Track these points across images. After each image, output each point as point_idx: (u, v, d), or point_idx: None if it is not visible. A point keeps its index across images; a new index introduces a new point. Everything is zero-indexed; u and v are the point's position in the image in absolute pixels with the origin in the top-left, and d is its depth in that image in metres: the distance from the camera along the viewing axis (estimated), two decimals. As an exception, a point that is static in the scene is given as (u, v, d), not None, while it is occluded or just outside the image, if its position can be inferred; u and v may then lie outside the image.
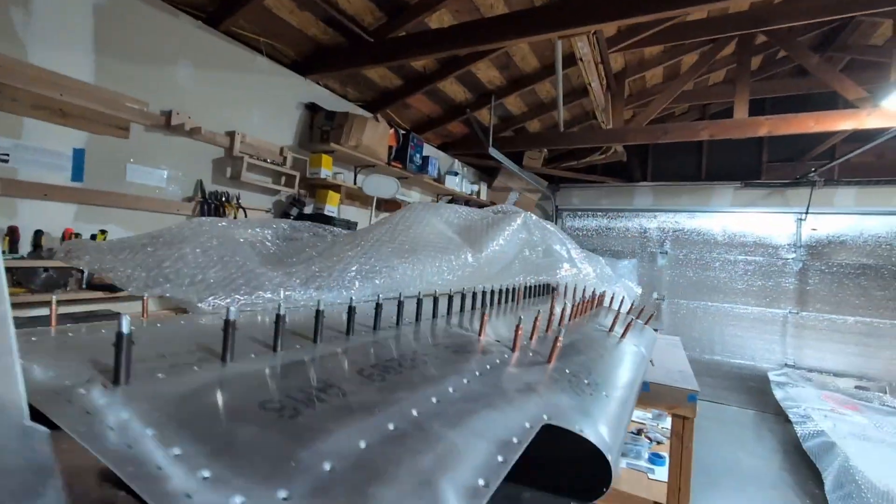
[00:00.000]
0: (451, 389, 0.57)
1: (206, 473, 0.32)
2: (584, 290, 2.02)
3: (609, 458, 0.57)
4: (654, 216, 6.48)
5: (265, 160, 3.13)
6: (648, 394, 2.50)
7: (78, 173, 2.25)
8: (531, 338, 0.94)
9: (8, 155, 2.02)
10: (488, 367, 0.70)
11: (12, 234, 2.01)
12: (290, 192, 3.37)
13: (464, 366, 0.68)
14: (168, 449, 0.34)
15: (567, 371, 0.79)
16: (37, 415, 0.35)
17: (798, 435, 4.13)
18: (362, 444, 0.40)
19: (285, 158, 3.32)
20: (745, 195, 5.90)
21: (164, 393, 0.43)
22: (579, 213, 7.02)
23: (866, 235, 5.36)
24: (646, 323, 1.82)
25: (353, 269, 1.34)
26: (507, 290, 1.53)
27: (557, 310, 1.24)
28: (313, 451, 0.37)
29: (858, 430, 4.10)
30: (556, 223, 7.05)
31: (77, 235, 2.19)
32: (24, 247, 2.06)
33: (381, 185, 3.70)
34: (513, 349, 0.82)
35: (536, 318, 0.94)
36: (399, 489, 0.35)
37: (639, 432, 3.51)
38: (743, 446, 4.58)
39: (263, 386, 0.49)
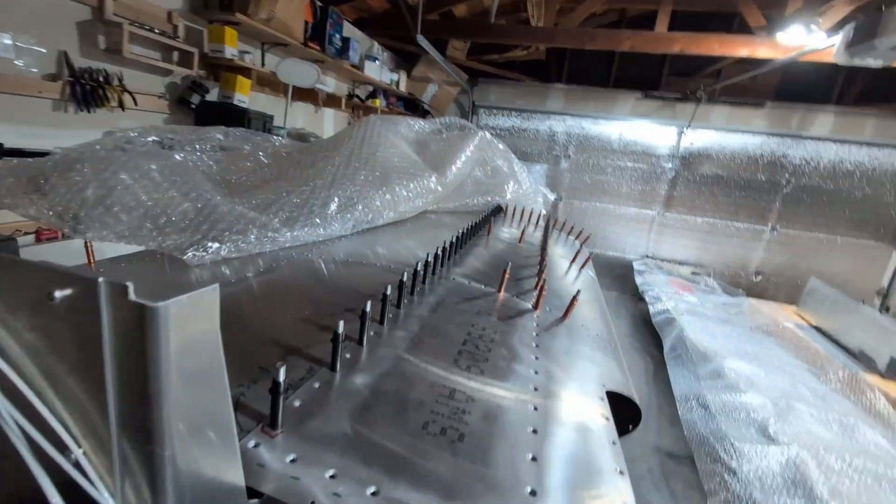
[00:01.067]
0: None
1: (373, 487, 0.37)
2: (523, 211, 2.17)
3: (638, 403, 0.73)
4: (564, 120, 6.77)
5: (150, 28, 2.46)
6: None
7: None
8: (539, 297, 1.04)
9: None
10: (537, 335, 0.80)
11: None
12: (187, 73, 2.76)
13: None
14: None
15: (582, 325, 0.93)
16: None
17: (650, 312, 5.25)
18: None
19: (176, 28, 2.65)
20: (643, 106, 6.41)
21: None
22: (495, 111, 7.00)
23: (727, 150, 6.35)
24: (584, 242, 2.07)
25: (334, 203, 1.26)
26: (475, 222, 1.59)
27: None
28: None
29: (690, 308, 5.36)
30: (471, 120, 6.98)
31: None
32: None
33: (299, 72, 3.23)
34: (498, 290, 0.92)
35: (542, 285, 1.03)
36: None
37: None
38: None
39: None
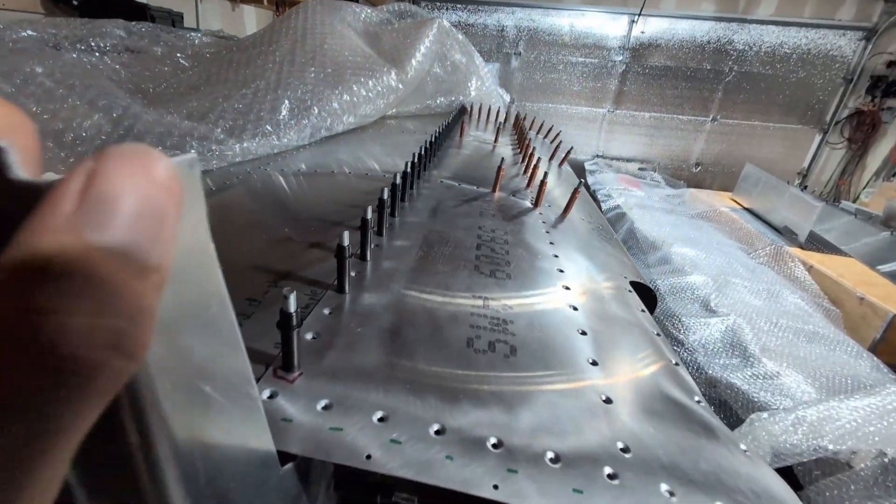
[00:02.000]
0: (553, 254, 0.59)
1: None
2: (489, 111, 2.01)
3: (653, 287, 0.71)
4: (513, 12, 6.26)
5: None
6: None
7: None
8: (540, 194, 0.96)
9: None
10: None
11: None
12: (51, -45, 2.15)
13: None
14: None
15: (582, 220, 0.87)
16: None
17: (602, 209, 5.45)
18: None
19: None
20: (594, -8, 6.00)
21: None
22: (439, 3, 6.31)
23: (675, 39, 6.23)
24: (555, 139, 1.98)
25: (285, 107, 1.05)
26: (446, 124, 1.43)
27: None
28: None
29: (639, 202, 5.60)
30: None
31: None
32: None
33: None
34: (493, 190, 0.84)
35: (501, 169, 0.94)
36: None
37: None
38: (565, 223, 5.88)
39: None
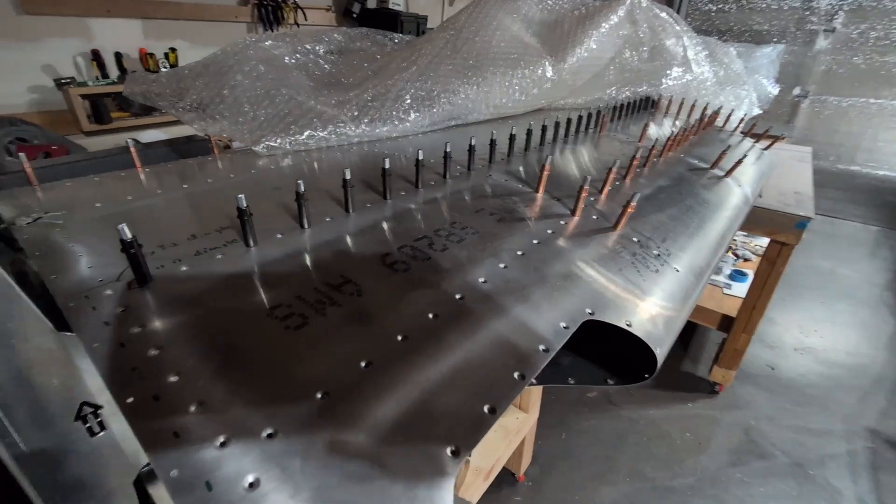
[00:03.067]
0: (482, 280, 0.52)
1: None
2: (692, 105, 1.65)
3: (657, 352, 0.52)
4: (834, -26, 4.68)
5: (314, -61, 2.62)
6: (747, 217, 2.27)
7: (129, -19, 2.10)
8: (603, 191, 0.81)
9: (57, -34, 1.90)
10: (535, 241, 0.63)
11: (97, 57, 2.07)
12: (349, -19, 2.90)
13: (504, 243, 0.61)
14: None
15: (635, 240, 0.69)
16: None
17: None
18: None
19: (338, -66, 2.74)
20: None
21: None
22: (716, -25, 5.30)
23: None
24: (768, 146, 1.49)
25: (408, 96, 1.19)
26: (587, 115, 1.28)
27: (646, 143, 1.03)
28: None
29: None
30: (681, -5, 5.49)
31: (151, 56, 2.20)
32: (112, 70, 2.13)
33: (454, -39, 3.00)
34: (573, 212, 0.72)
35: (609, 171, 0.78)
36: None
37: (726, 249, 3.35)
38: (846, 262, 4.25)
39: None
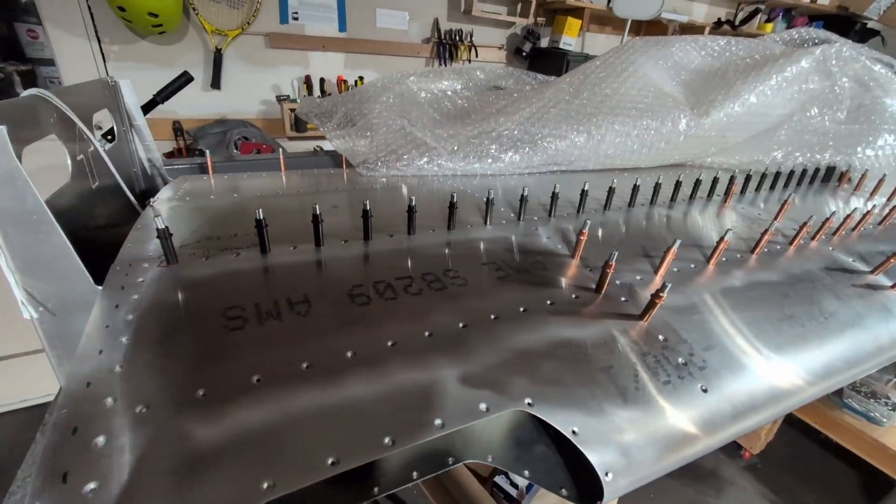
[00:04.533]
0: (426, 333, 0.51)
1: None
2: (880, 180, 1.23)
3: (605, 479, 0.43)
4: None
5: (498, -15, 2.83)
6: None
7: (342, 23, 2.62)
8: (658, 272, 0.68)
9: (297, 13, 2.50)
10: (522, 309, 0.57)
11: (307, 81, 2.64)
12: (524, 22, 3.03)
13: (486, 302, 0.58)
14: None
15: (661, 338, 0.57)
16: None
17: None
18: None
19: (522, -21, 2.91)
20: None
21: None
22: None
23: None
24: None
25: (507, 136, 1.19)
26: (729, 178, 1.07)
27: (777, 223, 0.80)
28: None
29: None
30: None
31: (345, 82, 2.69)
32: (315, 91, 2.69)
33: (639, 2, 2.87)
34: (597, 289, 0.63)
35: (668, 252, 0.65)
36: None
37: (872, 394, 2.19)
38: None
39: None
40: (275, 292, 0.55)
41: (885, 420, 2.05)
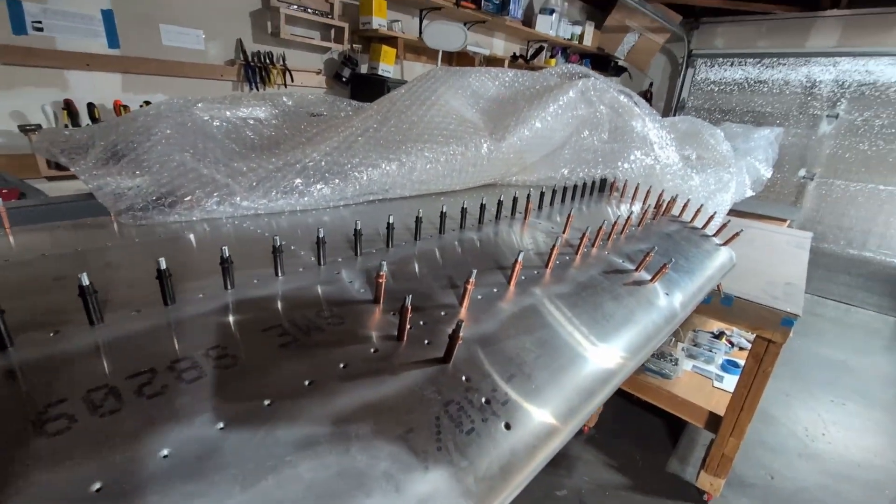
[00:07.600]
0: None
1: None
2: (647, 191, 1.53)
3: None
4: (835, 63, 4.72)
5: (307, 9, 2.73)
6: (729, 309, 2.07)
7: (112, 38, 2.18)
8: (462, 303, 0.67)
9: (41, 22, 1.99)
10: (307, 383, 0.48)
11: (69, 106, 2.11)
12: (341, 48, 2.99)
13: (245, 385, 0.47)
14: None
15: (464, 379, 0.54)
16: None
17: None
18: None
19: (332, 5, 2.87)
20: None
21: None
22: (720, 60, 5.42)
23: None
24: (728, 241, 1.34)
25: (307, 173, 1.10)
26: (527, 196, 1.17)
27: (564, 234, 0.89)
28: None
29: None
30: (683, 74, 5.61)
31: (125, 108, 2.24)
32: (84, 119, 2.17)
33: (446, 35, 3.10)
34: (399, 338, 0.57)
35: (468, 282, 0.65)
36: None
37: (719, 335, 3.10)
38: (861, 354, 3.90)
39: None
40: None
41: (671, 374, 2.55)
